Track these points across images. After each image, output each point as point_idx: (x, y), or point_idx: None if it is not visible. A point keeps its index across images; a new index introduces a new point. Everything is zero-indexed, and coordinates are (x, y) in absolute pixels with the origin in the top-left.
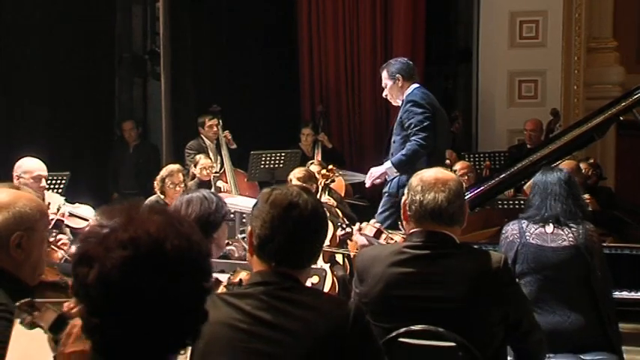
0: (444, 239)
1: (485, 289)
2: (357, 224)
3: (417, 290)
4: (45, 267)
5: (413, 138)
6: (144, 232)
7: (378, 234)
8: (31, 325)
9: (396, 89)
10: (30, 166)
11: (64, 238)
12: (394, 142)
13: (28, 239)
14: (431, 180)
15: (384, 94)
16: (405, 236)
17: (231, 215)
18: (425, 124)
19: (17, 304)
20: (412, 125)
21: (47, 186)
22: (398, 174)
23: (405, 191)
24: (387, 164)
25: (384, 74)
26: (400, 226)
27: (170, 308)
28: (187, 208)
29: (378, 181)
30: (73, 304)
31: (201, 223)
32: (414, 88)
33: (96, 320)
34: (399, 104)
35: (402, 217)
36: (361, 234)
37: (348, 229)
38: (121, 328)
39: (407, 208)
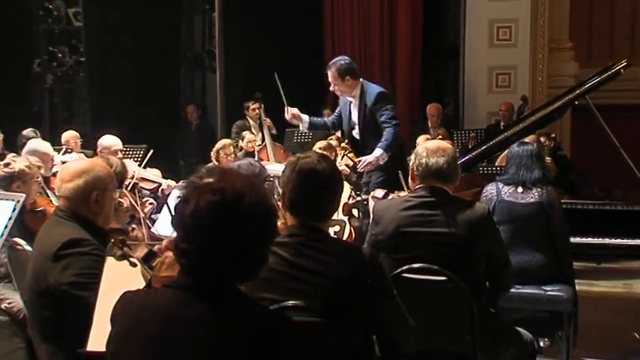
0: (442, 191)
1: (475, 229)
2: (372, 193)
3: (422, 227)
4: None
5: (389, 126)
6: (231, 185)
7: (386, 195)
8: (121, 258)
9: (345, 87)
10: (107, 142)
11: (149, 200)
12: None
13: (102, 197)
14: (434, 148)
15: (331, 89)
16: (410, 192)
17: (271, 178)
18: (394, 113)
19: (112, 240)
20: (385, 116)
21: (123, 156)
22: (389, 154)
23: (413, 157)
24: (378, 151)
25: (334, 73)
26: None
27: (241, 246)
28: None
29: (371, 167)
30: (159, 246)
31: None
32: (370, 85)
33: (185, 246)
34: (346, 97)
35: (409, 176)
36: (372, 198)
37: (359, 198)
38: (203, 254)
39: (414, 170)
